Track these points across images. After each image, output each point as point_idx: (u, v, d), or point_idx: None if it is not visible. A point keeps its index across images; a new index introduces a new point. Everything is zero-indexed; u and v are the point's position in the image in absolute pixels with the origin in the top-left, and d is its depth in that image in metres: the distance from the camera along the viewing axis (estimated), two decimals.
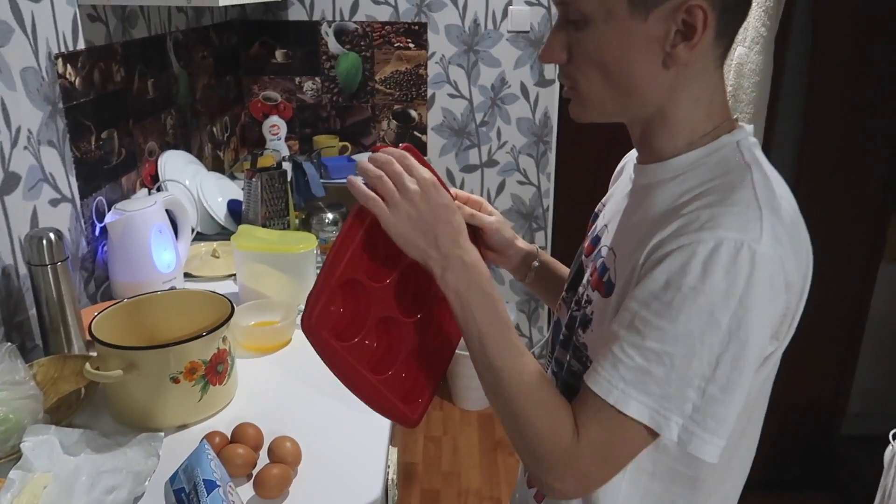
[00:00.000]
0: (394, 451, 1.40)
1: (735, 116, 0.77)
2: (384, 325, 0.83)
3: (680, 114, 0.73)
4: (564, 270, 1.02)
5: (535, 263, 1.00)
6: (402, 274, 0.82)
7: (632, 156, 0.88)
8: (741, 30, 1.58)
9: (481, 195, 2.85)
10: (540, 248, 1.02)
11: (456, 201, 0.87)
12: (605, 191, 0.97)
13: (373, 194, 0.75)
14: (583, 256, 0.90)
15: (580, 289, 0.85)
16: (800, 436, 2.32)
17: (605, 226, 0.86)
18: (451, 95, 2.72)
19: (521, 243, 0.98)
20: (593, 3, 0.68)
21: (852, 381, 2.27)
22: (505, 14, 2.61)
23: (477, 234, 0.92)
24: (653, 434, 0.67)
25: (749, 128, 0.76)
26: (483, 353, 0.74)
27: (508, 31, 2.64)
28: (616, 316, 0.70)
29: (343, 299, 0.80)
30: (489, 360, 0.74)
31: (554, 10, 2.59)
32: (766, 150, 1.76)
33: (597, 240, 0.87)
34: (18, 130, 1.21)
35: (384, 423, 1.10)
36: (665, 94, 0.71)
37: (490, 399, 0.75)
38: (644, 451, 0.72)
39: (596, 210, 0.95)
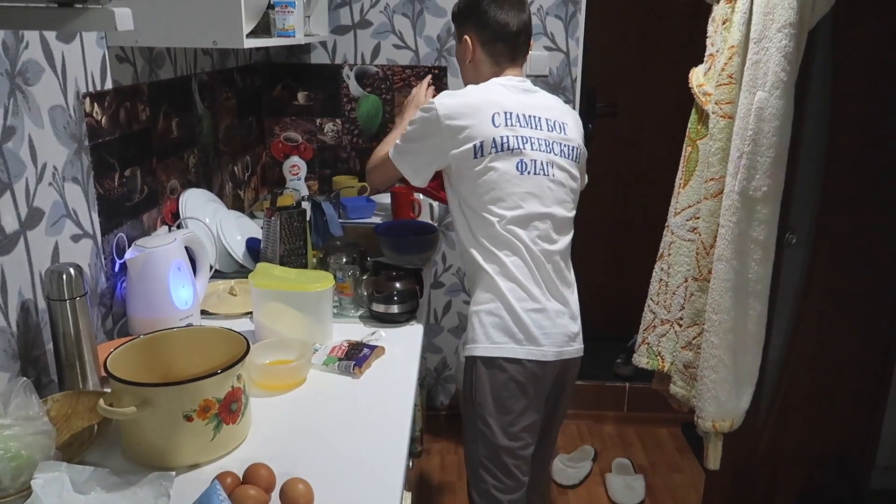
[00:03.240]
0: (408, 496, 1.36)
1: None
2: None
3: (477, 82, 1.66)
4: None
5: None
6: None
7: None
8: (761, 74, 1.58)
9: None
10: None
11: None
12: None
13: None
14: None
15: None
16: (827, 489, 2.25)
17: None
18: None
19: None
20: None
21: (880, 433, 2.20)
22: None
23: None
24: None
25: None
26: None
27: (527, 76, 2.65)
28: None
29: None
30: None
31: (573, 54, 2.62)
32: (788, 195, 1.75)
33: None
34: (44, 167, 1.23)
35: (399, 468, 1.07)
36: (472, 76, 1.70)
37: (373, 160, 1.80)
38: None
39: None
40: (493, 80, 1.62)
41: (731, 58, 1.70)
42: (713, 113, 1.76)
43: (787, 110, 1.60)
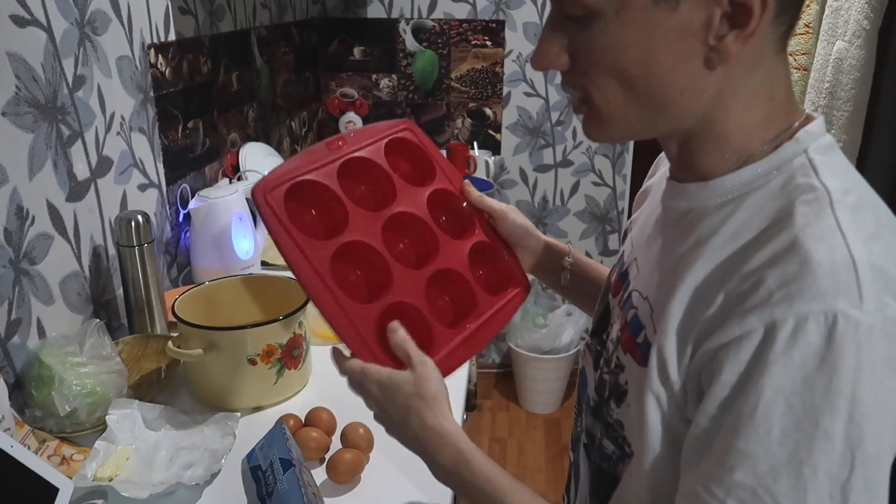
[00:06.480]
0: None
1: (805, 109, 0.59)
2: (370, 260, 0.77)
3: (731, 122, 0.56)
4: (603, 272, 0.88)
5: (569, 259, 0.87)
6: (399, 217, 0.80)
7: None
8: (842, 23, 1.49)
9: (554, 196, 2.81)
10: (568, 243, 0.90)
11: (468, 187, 0.86)
12: None
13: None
14: (609, 296, 0.73)
15: (609, 344, 0.69)
16: None
17: (635, 259, 0.69)
18: (528, 94, 2.69)
19: (543, 236, 0.88)
20: None
21: None
22: None
23: (492, 224, 0.86)
24: None
25: (818, 122, 0.57)
26: None
27: None
28: (690, 433, 0.52)
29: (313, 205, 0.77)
30: None
31: None
32: (864, 151, 1.66)
33: (624, 275, 0.70)
34: (112, 116, 1.26)
35: (455, 417, 1.08)
36: (710, 99, 0.54)
37: None
38: None
39: (629, 222, 0.78)
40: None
41: (808, 5, 1.61)
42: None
43: (869, 61, 1.51)
